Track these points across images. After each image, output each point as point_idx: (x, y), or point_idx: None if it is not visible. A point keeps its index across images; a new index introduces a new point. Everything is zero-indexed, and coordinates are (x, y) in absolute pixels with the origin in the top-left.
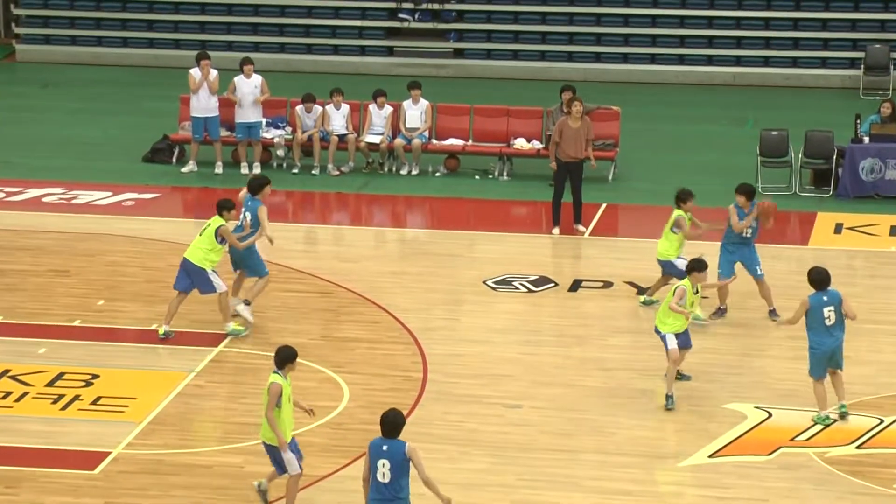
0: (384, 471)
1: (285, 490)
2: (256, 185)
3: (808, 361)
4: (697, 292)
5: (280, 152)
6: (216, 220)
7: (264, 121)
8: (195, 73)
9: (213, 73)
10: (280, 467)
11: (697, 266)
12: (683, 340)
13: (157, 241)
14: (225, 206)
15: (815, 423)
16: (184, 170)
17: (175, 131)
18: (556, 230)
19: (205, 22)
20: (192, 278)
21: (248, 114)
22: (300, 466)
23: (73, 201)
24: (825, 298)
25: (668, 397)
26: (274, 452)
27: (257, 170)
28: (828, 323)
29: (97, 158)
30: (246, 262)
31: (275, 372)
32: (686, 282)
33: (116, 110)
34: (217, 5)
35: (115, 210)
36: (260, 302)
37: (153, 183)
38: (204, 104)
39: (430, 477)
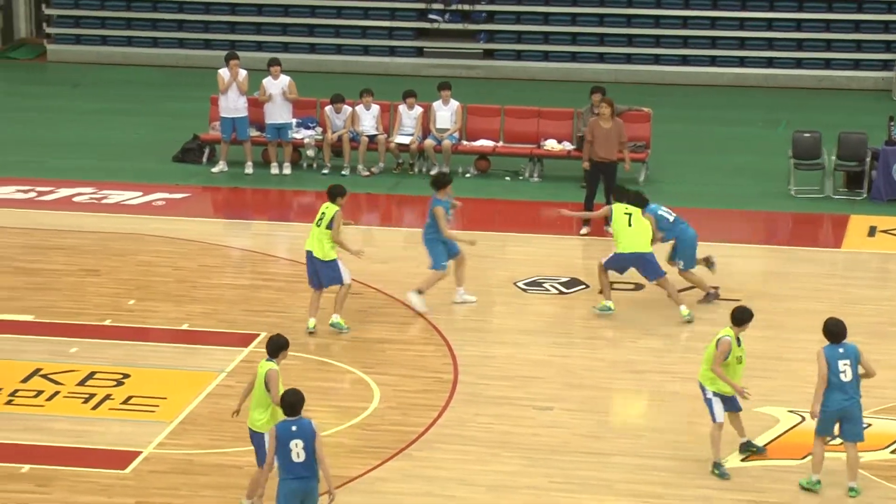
0: (298, 451)
1: (250, 481)
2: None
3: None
4: (741, 344)
5: (310, 153)
6: (330, 208)
7: (294, 121)
8: (224, 73)
9: (242, 73)
10: (260, 457)
11: (742, 316)
12: (732, 404)
13: (188, 241)
14: (338, 193)
15: (802, 489)
16: (214, 170)
17: (205, 131)
18: (584, 229)
19: (235, 22)
20: (316, 270)
21: (278, 114)
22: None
23: (104, 201)
24: (841, 351)
25: (717, 465)
26: (258, 439)
27: (287, 171)
28: (843, 378)
29: (128, 158)
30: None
31: (268, 360)
32: (729, 331)
33: (147, 110)
34: (247, 6)
35: (146, 210)
36: (289, 301)
37: (184, 183)
38: (233, 104)
39: (324, 455)
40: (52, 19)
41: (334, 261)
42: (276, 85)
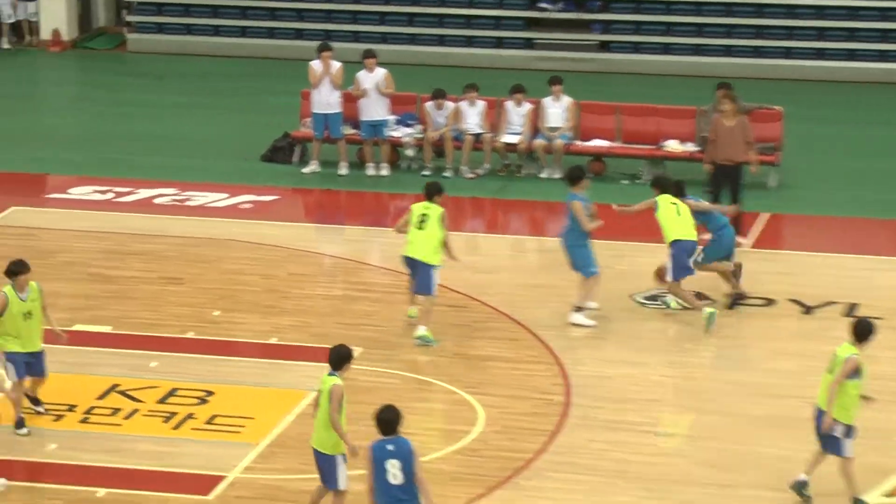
0: (395, 472)
1: None
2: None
3: None
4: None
5: (409, 152)
6: (432, 208)
7: (392, 118)
8: (316, 65)
9: (336, 65)
10: (331, 481)
11: (866, 330)
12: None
13: (277, 248)
14: (437, 190)
15: None
16: (305, 170)
17: (296, 128)
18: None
19: (330, 10)
20: (415, 274)
21: (374, 111)
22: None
23: (187, 203)
24: None
25: (857, 501)
26: (327, 462)
27: (384, 171)
28: None
29: (213, 157)
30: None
31: (330, 374)
32: (852, 348)
33: (234, 105)
34: None
35: (232, 213)
36: (386, 314)
37: (273, 184)
38: (326, 99)
39: (425, 478)
40: (133, 6)
41: (434, 267)
42: (371, 78)
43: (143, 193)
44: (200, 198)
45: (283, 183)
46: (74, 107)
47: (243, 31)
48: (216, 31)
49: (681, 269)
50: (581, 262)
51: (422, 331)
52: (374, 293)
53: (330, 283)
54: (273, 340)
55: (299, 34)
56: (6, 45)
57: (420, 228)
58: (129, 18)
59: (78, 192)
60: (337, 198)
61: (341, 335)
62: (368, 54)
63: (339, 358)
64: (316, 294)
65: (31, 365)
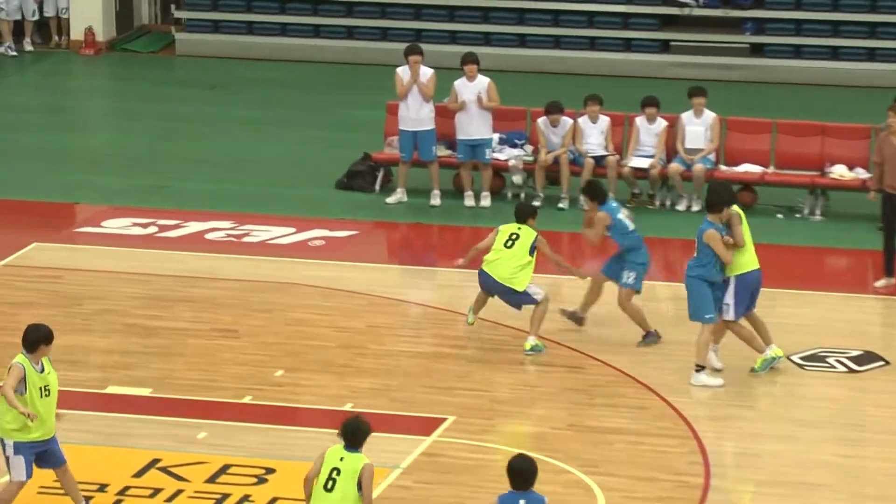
0: None
1: None
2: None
3: None
4: None
5: (517, 178)
6: (527, 230)
7: (496, 137)
8: (403, 72)
9: (427, 72)
10: None
11: None
12: None
13: (355, 294)
14: (530, 213)
15: None
16: (389, 200)
17: (379, 149)
18: (881, 281)
19: (420, 6)
20: (498, 295)
21: (474, 128)
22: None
23: (245, 239)
24: None
25: None
26: None
27: (486, 202)
28: None
29: (277, 183)
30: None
31: (348, 448)
32: None
33: (303, 120)
34: None
35: (300, 251)
36: (485, 375)
37: (350, 216)
38: (415, 114)
39: None
40: (183, 1)
41: (524, 293)
42: (472, 88)
43: (193, 227)
44: (262, 233)
45: (363, 215)
46: (110, 121)
47: (316, 31)
48: (283, 29)
49: (739, 304)
50: (698, 302)
51: (531, 341)
52: (471, 350)
53: (417, 338)
54: (348, 407)
55: (384, 34)
56: (29, 47)
57: (507, 247)
58: (179, 15)
59: (114, 226)
60: (428, 233)
61: (430, 401)
62: (468, 59)
63: (352, 432)
64: (399, 350)
65: (44, 456)
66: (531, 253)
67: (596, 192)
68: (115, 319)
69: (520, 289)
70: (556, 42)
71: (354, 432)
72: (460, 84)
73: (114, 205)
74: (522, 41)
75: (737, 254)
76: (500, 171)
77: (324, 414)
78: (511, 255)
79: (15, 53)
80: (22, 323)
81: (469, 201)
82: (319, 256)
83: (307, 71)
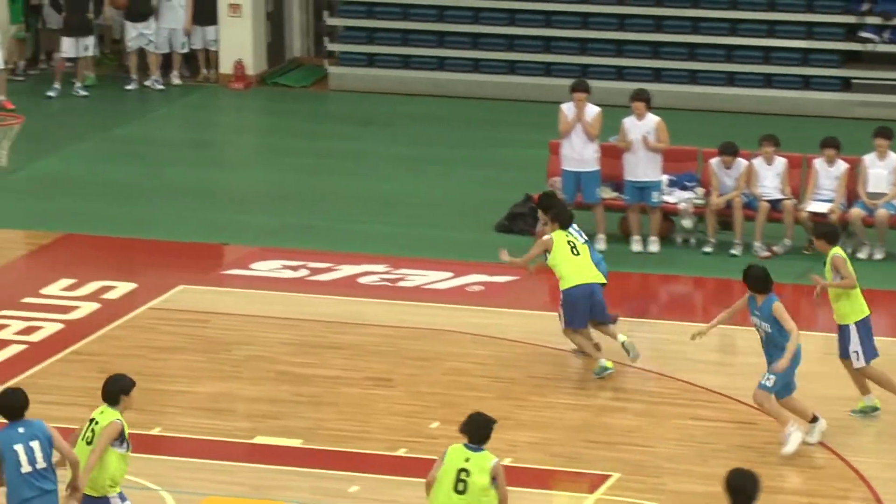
0: None
1: None
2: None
3: None
4: None
5: (686, 222)
6: (569, 233)
7: (665, 178)
8: (567, 109)
9: (593, 110)
10: None
11: None
12: None
13: (514, 343)
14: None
15: None
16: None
17: (541, 190)
18: None
19: (587, 39)
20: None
21: (642, 169)
22: None
23: (400, 283)
24: None
25: None
26: None
27: (654, 247)
28: None
29: (434, 225)
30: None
31: (472, 448)
32: None
33: (461, 159)
34: (604, 17)
35: (458, 297)
36: (652, 431)
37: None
38: (578, 154)
39: None
40: (338, 32)
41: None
42: (640, 127)
43: (346, 270)
44: (418, 277)
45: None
46: (259, 158)
47: (476, 65)
48: (441, 64)
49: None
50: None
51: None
52: (638, 403)
53: (580, 390)
54: (508, 461)
55: (547, 69)
56: (177, 81)
57: (577, 254)
58: (332, 48)
59: (263, 268)
60: None
61: (593, 456)
62: (638, 96)
63: (485, 431)
64: (561, 403)
65: None
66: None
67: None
68: (264, 366)
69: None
70: (730, 79)
71: (479, 430)
72: (629, 123)
73: (263, 246)
74: (693, 77)
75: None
76: (669, 214)
77: None
78: (585, 257)
79: (162, 87)
80: (167, 368)
81: (636, 246)
82: (478, 302)
83: (466, 107)
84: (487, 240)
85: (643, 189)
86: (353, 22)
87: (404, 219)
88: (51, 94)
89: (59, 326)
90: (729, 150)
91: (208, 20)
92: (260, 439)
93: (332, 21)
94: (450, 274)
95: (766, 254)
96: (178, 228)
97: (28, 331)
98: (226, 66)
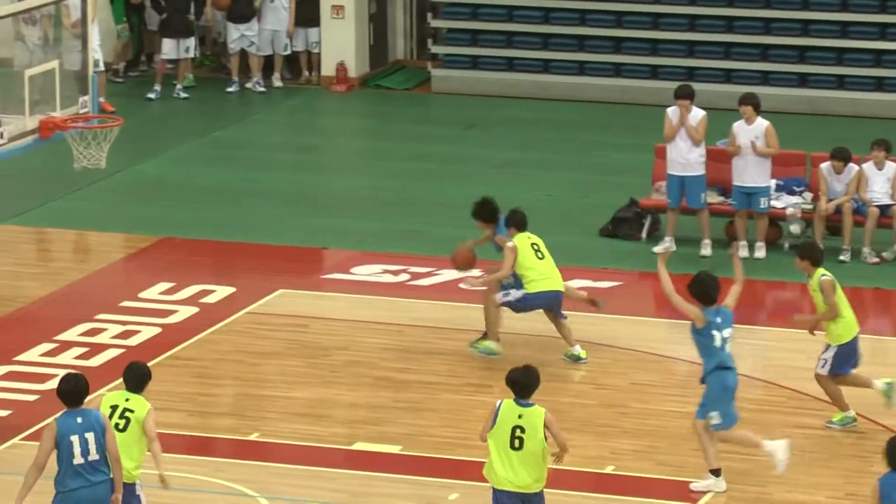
0: None
1: None
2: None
3: None
4: None
5: (794, 228)
6: (531, 237)
7: (773, 183)
8: (672, 113)
9: (698, 114)
10: None
11: None
12: None
13: (618, 349)
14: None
15: None
16: (657, 249)
17: (646, 195)
18: None
19: (694, 42)
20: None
21: (751, 174)
22: None
23: None
24: None
25: None
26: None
27: (761, 252)
28: None
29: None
30: None
31: (522, 403)
32: None
33: (565, 163)
34: (710, 18)
35: (565, 301)
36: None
37: (614, 266)
38: (683, 158)
39: None
40: (441, 35)
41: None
42: (749, 132)
43: (447, 275)
44: None
45: (628, 265)
46: (361, 162)
47: (581, 68)
48: (545, 66)
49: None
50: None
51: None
52: (744, 411)
53: (685, 397)
54: (609, 469)
55: (653, 72)
56: (278, 83)
57: (542, 258)
58: (436, 50)
59: (363, 272)
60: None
61: (699, 465)
62: (745, 100)
63: (534, 383)
64: (666, 410)
65: None
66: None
67: (486, 211)
68: (363, 371)
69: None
70: (840, 82)
71: (527, 383)
72: (738, 126)
73: (364, 250)
74: (803, 80)
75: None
76: (776, 219)
77: (584, 476)
78: (549, 262)
79: (263, 89)
80: (265, 374)
81: (742, 252)
82: (581, 308)
83: (571, 110)
84: (591, 245)
85: (751, 194)
86: (457, 24)
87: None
88: (151, 96)
89: (157, 330)
90: (841, 156)
91: (311, 22)
92: (359, 445)
93: (435, 23)
94: None
95: (875, 260)
96: (278, 232)
97: (126, 335)
98: (328, 69)
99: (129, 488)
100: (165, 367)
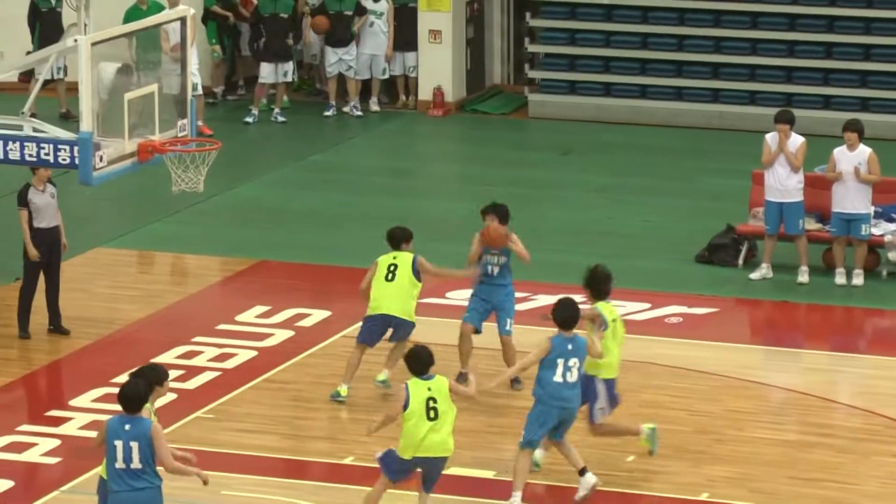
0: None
1: None
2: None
3: None
4: None
5: (893, 255)
6: (403, 257)
7: (873, 210)
8: (771, 139)
9: (798, 140)
10: None
11: None
12: None
13: (712, 376)
14: (403, 237)
15: None
16: (753, 276)
17: (743, 221)
18: None
19: (792, 67)
20: (395, 330)
21: (851, 201)
22: None
23: None
24: None
25: None
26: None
27: (859, 279)
28: None
29: (632, 255)
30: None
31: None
32: None
33: (662, 188)
34: (811, 45)
35: (655, 329)
36: (855, 469)
37: (710, 293)
38: (781, 184)
39: None
40: (539, 59)
41: (413, 326)
42: (851, 159)
43: (542, 300)
44: (617, 307)
45: (724, 291)
46: (457, 187)
47: (679, 93)
48: (643, 92)
49: None
50: None
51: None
52: (841, 439)
53: (780, 425)
54: (704, 497)
55: (752, 98)
56: (375, 107)
57: (389, 280)
58: (533, 75)
59: (458, 297)
60: (794, 312)
61: (794, 493)
62: (852, 126)
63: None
64: (760, 438)
65: None
66: (418, 279)
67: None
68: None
69: (411, 319)
70: None
71: (427, 361)
72: (839, 153)
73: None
74: None
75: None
76: (875, 247)
77: (677, 503)
78: (396, 287)
79: (360, 113)
80: (360, 397)
81: (840, 279)
82: (676, 334)
83: (668, 136)
84: (686, 270)
85: (851, 221)
86: (554, 49)
87: (602, 249)
88: (248, 119)
89: (253, 353)
90: None
91: (408, 46)
92: (454, 470)
93: (532, 48)
94: (648, 305)
95: None
96: (374, 256)
97: (222, 357)
98: (425, 93)
99: None
100: (261, 390)
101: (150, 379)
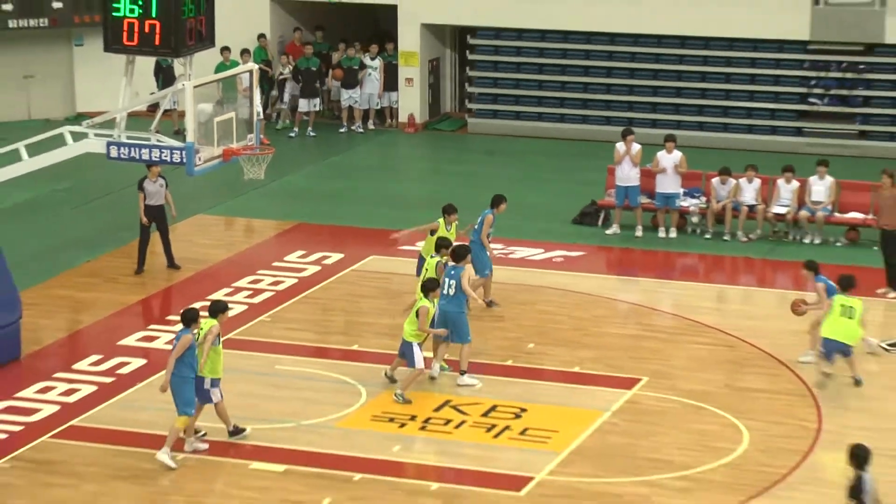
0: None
1: None
2: (462, 253)
3: None
4: None
5: (695, 219)
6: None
7: (682, 191)
8: (620, 147)
9: (636, 147)
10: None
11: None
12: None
13: (583, 294)
14: (221, 309)
15: None
16: (608, 232)
17: (602, 197)
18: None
19: (632, 102)
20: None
21: (668, 185)
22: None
23: (511, 256)
24: None
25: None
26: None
27: (673, 234)
28: None
29: (532, 219)
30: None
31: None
32: None
33: (551, 177)
34: (644, 88)
35: (547, 265)
36: (671, 352)
37: (581, 242)
38: (626, 174)
39: None
40: (474, 97)
41: (412, 343)
42: (670, 159)
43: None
44: (522, 251)
45: (590, 242)
46: (424, 177)
47: (562, 118)
48: (539, 117)
49: None
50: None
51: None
52: (662, 334)
53: (625, 324)
54: (576, 369)
55: (607, 121)
56: (371, 127)
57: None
58: (470, 106)
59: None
60: (633, 255)
61: (632, 367)
62: (670, 138)
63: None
64: (612, 332)
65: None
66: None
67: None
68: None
69: (412, 340)
70: (724, 128)
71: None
72: (662, 155)
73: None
74: (701, 126)
75: None
76: (683, 214)
77: (559, 374)
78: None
79: (362, 131)
80: (364, 308)
81: (661, 234)
82: (560, 268)
83: (555, 145)
84: (566, 229)
85: (668, 198)
86: (484, 90)
87: (515, 215)
88: (291, 135)
89: (295, 280)
90: (725, 173)
91: (392, 87)
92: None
93: (470, 89)
94: (541, 250)
95: (745, 239)
96: (370, 221)
97: (276, 283)
98: (402, 117)
99: (199, 380)
100: (301, 303)
101: (216, 308)
